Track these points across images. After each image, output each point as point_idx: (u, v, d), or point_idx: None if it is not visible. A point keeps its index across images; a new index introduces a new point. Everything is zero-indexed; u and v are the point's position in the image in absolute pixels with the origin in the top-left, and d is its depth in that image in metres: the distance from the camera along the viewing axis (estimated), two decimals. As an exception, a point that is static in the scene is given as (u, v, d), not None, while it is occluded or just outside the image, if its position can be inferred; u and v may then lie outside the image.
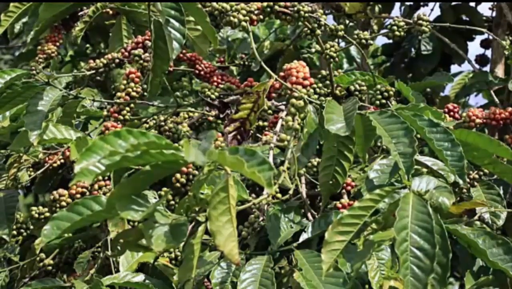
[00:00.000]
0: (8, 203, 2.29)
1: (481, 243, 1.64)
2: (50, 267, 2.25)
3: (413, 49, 3.59)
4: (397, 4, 3.72)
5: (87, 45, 3.70)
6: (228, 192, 1.35)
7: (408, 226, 1.48)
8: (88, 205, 1.48)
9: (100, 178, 2.07)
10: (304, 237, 1.85)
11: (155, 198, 1.48)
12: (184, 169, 2.00)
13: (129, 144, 1.32)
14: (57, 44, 2.81)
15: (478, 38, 3.61)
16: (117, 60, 2.42)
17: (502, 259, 1.63)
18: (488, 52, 3.55)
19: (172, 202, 2.04)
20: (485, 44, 3.60)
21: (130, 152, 1.31)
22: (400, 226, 1.48)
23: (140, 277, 1.80)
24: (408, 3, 3.71)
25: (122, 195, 1.41)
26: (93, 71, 2.41)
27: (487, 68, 3.29)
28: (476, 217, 2.06)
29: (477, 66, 3.32)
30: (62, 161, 2.42)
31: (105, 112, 2.25)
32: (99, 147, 1.32)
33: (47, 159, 2.42)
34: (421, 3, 3.67)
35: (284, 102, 2.10)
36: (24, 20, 2.95)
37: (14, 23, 2.83)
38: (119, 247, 1.65)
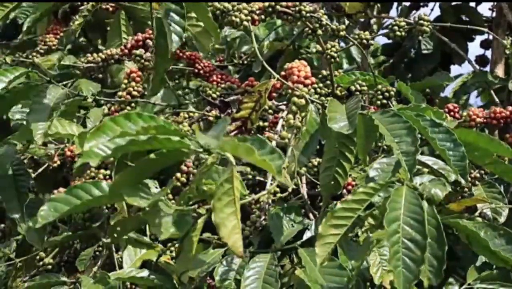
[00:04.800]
0: (18, 182, 2.28)
1: (483, 234, 1.64)
2: (50, 266, 2.25)
3: (413, 49, 3.59)
4: (395, 4, 3.73)
5: (84, 40, 3.69)
6: (233, 183, 1.35)
7: (400, 218, 1.48)
8: (87, 189, 1.47)
9: (102, 176, 2.07)
10: (307, 235, 1.86)
11: (156, 187, 1.48)
12: (185, 168, 2.00)
13: (139, 126, 1.33)
14: (58, 36, 2.81)
15: (478, 39, 3.62)
16: (116, 57, 2.42)
17: (504, 249, 1.62)
18: (488, 53, 3.56)
19: (173, 202, 2.04)
20: (485, 44, 3.60)
21: (140, 134, 1.32)
22: (392, 218, 1.48)
23: (145, 273, 1.81)
24: (407, 3, 3.72)
25: (125, 182, 1.41)
26: (91, 65, 2.41)
27: (487, 69, 3.30)
28: (477, 214, 2.07)
29: (477, 66, 3.32)
30: (62, 161, 2.42)
31: (105, 110, 2.25)
32: (109, 128, 1.33)
33: (47, 157, 2.42)
34: (421, 3, 3.68)
35: (284, 102, 2.11)
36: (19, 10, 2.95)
37: (8, 14, 2.83)
38: (115, 235, 1.65)
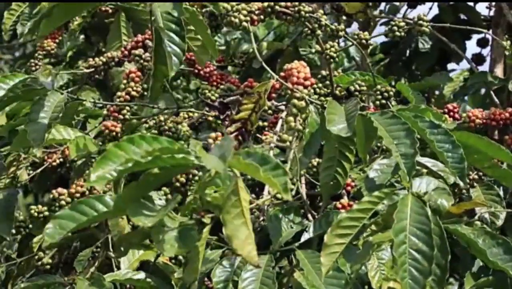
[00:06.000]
0: (7, 202, 2.28)
1: (481, 243, 1.64)
2: (48, 267, 2.26)
3: (410, 47, 3.58)
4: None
5: (86, 44, 3.70)
6: (238, 194, 1.34)
7: (406, 228, 1.47)
8: (92, 205, 1.46)
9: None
10: (305, 237, 1.85)
11: (160, 199, 1.48)
12: (184, 168, 2.00)
13: (143, 150, 1.33)
14: (57, 41, 2.81)
15: (475, 37, 3.62)
16: (116, 59, 2.42)
17: (502, 259, 1.62)
18: (485, 51, 3.56)
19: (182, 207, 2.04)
20: (482, 43, 3.60)
21: (144, 159, 1.32)
22: (398, 228, 1.48)
23: (141, 275, 1.80)
24: (398, 2, 3.71)
25: (130, 197, 1.41)
26: (92, 70, 2.41)
27: (483, 67, 3.30)
28: (476, 217, 2.07)
29: (473, 65, 3.32)
30: (61, 160, 2.42)
31: (105, 112, 2.25)
32: (114, 155, 1.33)
33: (46, 158, 2.42)
34: (418, 2, 3.67)
35: (284, 103, 2.10)
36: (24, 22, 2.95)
37: (15, 24, 2.83)
38: (122, 249, 1.65)
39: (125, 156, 1.33)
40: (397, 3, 3.71)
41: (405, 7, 3.68)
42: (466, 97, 3.57)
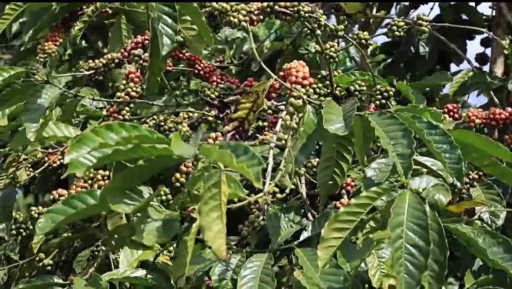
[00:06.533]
0: (5, 202, 2.30)
1: (481, 242, 1.64)
2: (49, 267, 2.26)
3: (412, 48, 3.59)
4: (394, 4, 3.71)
5: (86, 44, 3.70)
6: (220, 187, 1.35)
7: (403, 223, 1.48)
8: (83, 199, 1.50)
9: (100, 177, 2.08)
10: (304, 235, 1.86)
11: (150, 193, 1.48)
12: (184, 168, 2.00)
13: (119, 137, 1.33)
14: (57, 43, 2.81)
15: (478, 37, 3.61)
16: (116, 60, 2.42)
17: (502, 258, 1.62)
18: (488, 51, 3.55)
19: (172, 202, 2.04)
20: (485, 42, 3.59)
21: (121, 145, 1.32)
22: (395, 223, 1.48)
23: (140, 273, 1.80)
24: (406, 3, 3.71)
25: (115, 189, 1.42)
26: (93, 71, 2.41)
27: (487, 67, 3.29)
28: (476, 217, 2.07)
29: (477, 65, 3.32)
30: (61, 160, 2.42)
31: (104, 112, 2.25)
32: (89, 139, 1.34)
33: (46, 158, 2.43)
34: (421, 2, 3.67)
35: (284, 102, 2.10)
36: (21, 20, 2.95)
37: (11, 24, 2.82)
38: (113, 242, 1.65)
39: (100, 141, 1.33)
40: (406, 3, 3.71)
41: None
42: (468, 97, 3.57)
